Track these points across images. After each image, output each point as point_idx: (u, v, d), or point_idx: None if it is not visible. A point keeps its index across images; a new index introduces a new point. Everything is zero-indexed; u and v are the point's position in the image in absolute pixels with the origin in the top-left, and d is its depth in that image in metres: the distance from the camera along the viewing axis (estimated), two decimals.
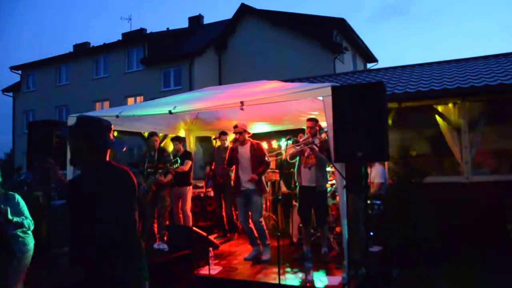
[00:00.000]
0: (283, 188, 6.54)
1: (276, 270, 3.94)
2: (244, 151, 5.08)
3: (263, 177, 5.11)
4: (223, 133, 6.38)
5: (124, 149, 2.22)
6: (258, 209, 4.99)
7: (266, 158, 5.10)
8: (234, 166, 5.20)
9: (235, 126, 5.10)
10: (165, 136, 7.07)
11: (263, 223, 5.10)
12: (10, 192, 3.66)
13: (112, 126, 2.18)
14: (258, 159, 4.99)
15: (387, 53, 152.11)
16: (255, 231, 5.03)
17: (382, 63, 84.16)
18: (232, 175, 6.33)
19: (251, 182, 4.95)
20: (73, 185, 2.08)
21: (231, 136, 6.31)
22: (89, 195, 1.97)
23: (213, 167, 6.31)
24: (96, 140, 2.07)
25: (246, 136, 5.14)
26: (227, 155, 5.28)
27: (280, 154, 5.17)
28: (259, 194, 4.99)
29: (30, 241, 3.70)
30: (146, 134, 6.03)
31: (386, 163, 6.00)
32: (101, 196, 1.99)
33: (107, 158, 2.13)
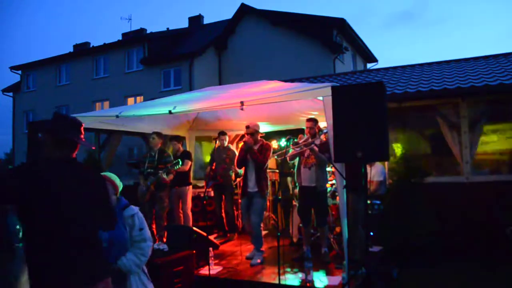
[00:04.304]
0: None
1: (276, 270, 3.94)
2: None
3: (265, 179, 5.08)
4: (222, 133, 6.38)
5: (94, 148, 2.23)
6: (259, 212, 4.96)
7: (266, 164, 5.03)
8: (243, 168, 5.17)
9: (247, 127, 5.05)
10: (165, 136, 7.06)
11: (262, 228, 5.09)
12: None
13: (83, 125, 2.18)
14: (258, 158, 4.93)
15: (398, 57, 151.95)
16: (253, 233, 5.02)
17: (383, 64, 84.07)
18: (233, 175, 6.35)
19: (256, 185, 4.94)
20: (22, 171, 1.95)
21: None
22: (42, 185, 1.88)
23: (213, 167, 6.31)
24: (61, 133, 2.06)
25: (258, 136, 5.11)
26: (237, 155, 5.24)
27: (283, 154, 5.16)
28: (262, 196, 4.97)
29: None
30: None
31: (386, 162, 6.00)
32: (40, 190, 1.88)
33: (73, 155, 2.10)
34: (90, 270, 1.96)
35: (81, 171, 2.10)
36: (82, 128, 2.16)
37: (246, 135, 5.06)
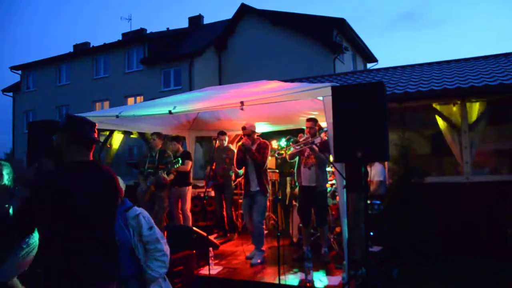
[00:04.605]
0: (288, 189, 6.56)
1: (276, 270, 3.94)
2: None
3: (265, 178, 5.08)
4: (222, 133, 6.37)
5: (108, 146, 2.23)
6: (261, 211, 4.97)
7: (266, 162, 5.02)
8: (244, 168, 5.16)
9: (244, 128, 5.05)
10: (165, 137, 7.06)
11: (264, 227, 5.09)
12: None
13: (97, 125, 2.17)
14: (257, 158, 4.92)
15: (398, 57, 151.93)
16: (254, 232, 5.02)
17: (384, 64, 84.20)
18: (233, 175, 6.35)
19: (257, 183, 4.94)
20: (47, 179, 1.96)
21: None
22: (62, 191, 1.88)
23: (213, 167, 6.30)
24: (80, 133, 2.04)
25: (255, 136, 5.11)
26: (235, 155, 5.25)
27: (282, 154, 5.15)
28: (264, 195, 4.97)
29: (35, 235, 3.65)
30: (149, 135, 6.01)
31: (386, 162, 6.00)
32: (76, 195, 1.89)
33: (91, 157, 2.09)
34: (96, 271, 1.95)
35: (100, 172, 2.07)
36: (96, 127, 2.16)
37: (243, 137, 5.06)
